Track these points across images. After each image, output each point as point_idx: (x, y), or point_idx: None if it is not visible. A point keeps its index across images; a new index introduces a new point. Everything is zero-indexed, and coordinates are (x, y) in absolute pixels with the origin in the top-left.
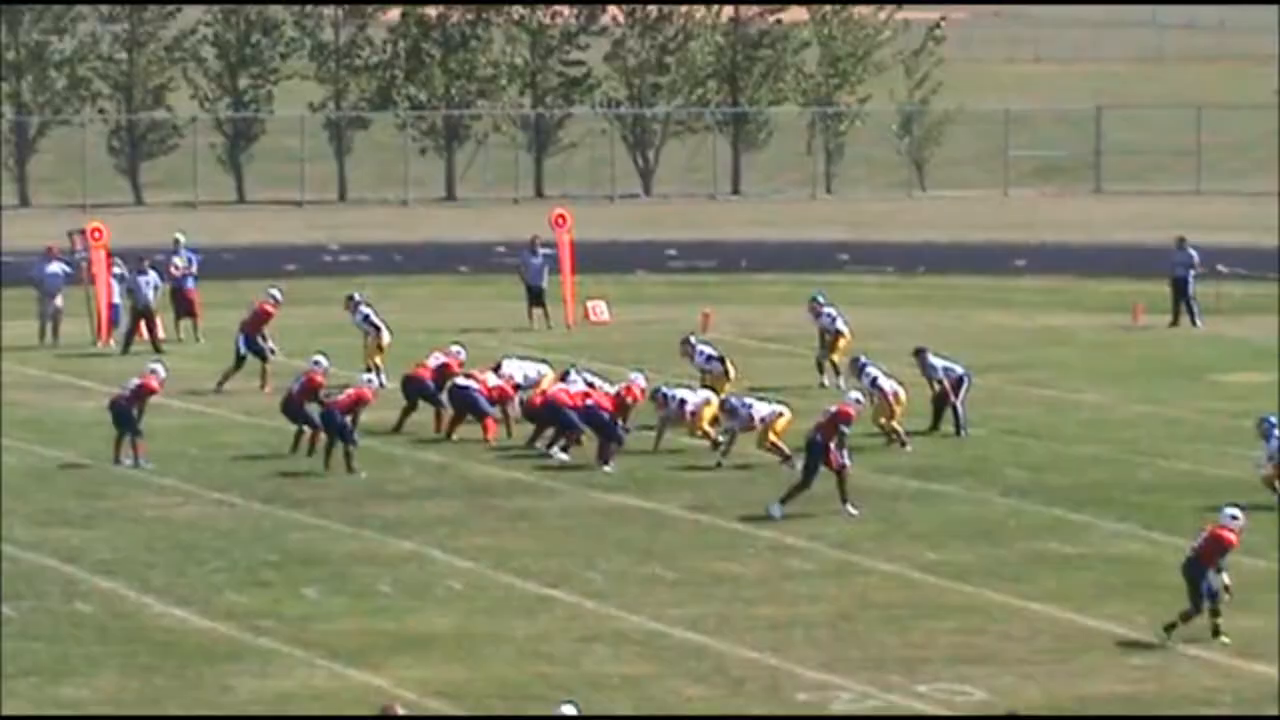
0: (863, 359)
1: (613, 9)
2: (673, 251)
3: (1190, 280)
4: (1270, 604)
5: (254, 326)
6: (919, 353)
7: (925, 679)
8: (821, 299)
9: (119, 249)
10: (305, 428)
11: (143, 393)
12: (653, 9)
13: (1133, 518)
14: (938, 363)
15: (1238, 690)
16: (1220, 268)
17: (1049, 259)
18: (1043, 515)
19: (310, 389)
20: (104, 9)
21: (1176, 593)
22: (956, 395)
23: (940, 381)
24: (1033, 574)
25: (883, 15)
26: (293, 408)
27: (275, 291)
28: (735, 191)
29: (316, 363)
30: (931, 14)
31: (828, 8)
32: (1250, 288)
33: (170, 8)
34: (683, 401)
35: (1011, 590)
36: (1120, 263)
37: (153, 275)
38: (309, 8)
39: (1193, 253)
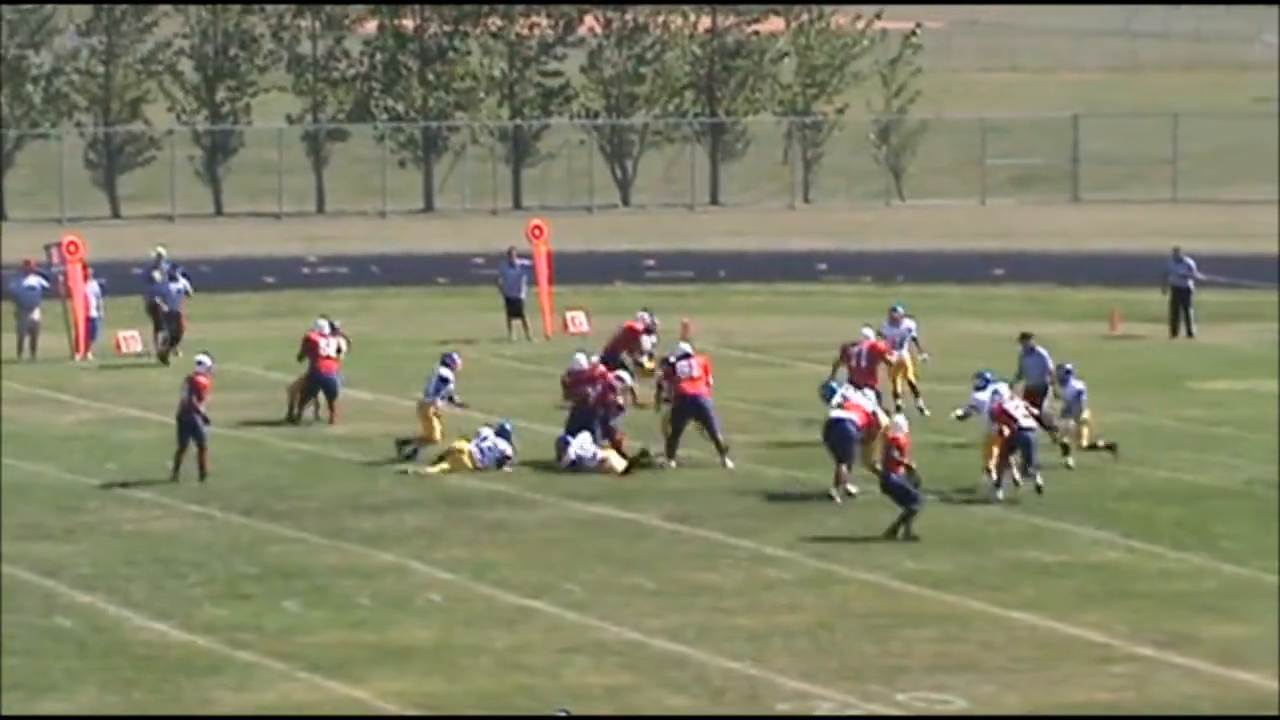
0: (834, 384)
1: (590, 20)
2: (651, 262)
3: (1191, 290)
4: (1250, 611)
5: (620, 345)
6: (1025, 338)
7: (905, 688)
8: (902, 308)
9: (96, 262)
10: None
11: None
12: (630, 19)
13: (1112, 526)
14: (1046, 358)
15: (1218, 698)
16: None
17: (1027, 267)
18: (1022, 524)
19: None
20: (80, 22)
21: (1155, 600)
22: (1039, 407)
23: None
24: (1012, 582)
25: (860, 25)
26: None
27: (646, 314)
28: (713, 201)
29: (200, 363)
30: (908, 23)
31: (805, 18)
32: (1225, 295)
33: (147, 20)
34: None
35: (991, 599)
36: (1098, 271)
37: (183, 281)
38: (286, 20)
39: (1190, 262)
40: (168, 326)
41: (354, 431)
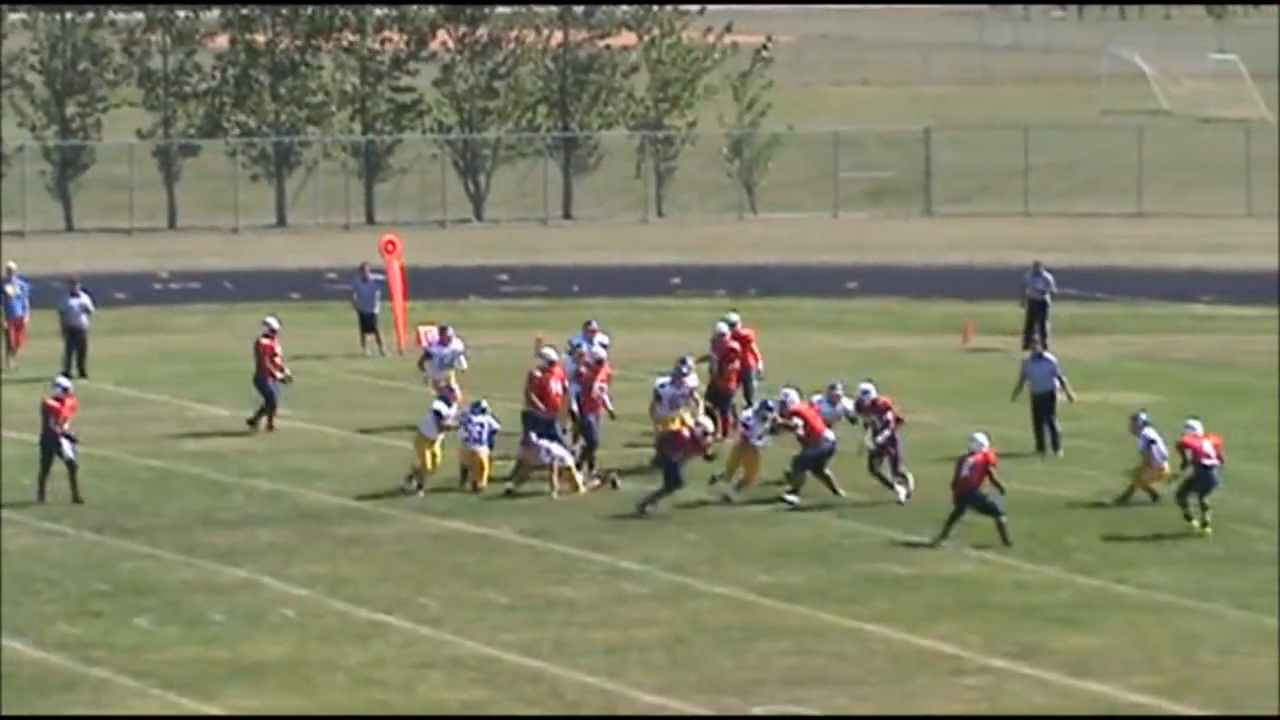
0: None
1: (442, 35)
2: (504, 276)
3: (1049, 303)
4: (1102, 622)
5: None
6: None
7: (760, 700)
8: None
9: None
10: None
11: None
12: (482, 34)
13: (965, 537)
14: (1055, 364)
15: (1070, 709)
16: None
17: (880, 280)
18: (876, 536)
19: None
20: None
21: (1008, 612)
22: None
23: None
24: (866, 595)
25: (711, 39)
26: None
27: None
28: (566, 216)
29: (55, 385)
30: (759, 37)
31: (656, 32)
32: (1078, 309)
33: None
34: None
35: (845, 611)
36: (950, 284)
37: (85, 298)
38: (136, 34)
39: (1048, 276)
40: (74, 343)
41: (207, 448)
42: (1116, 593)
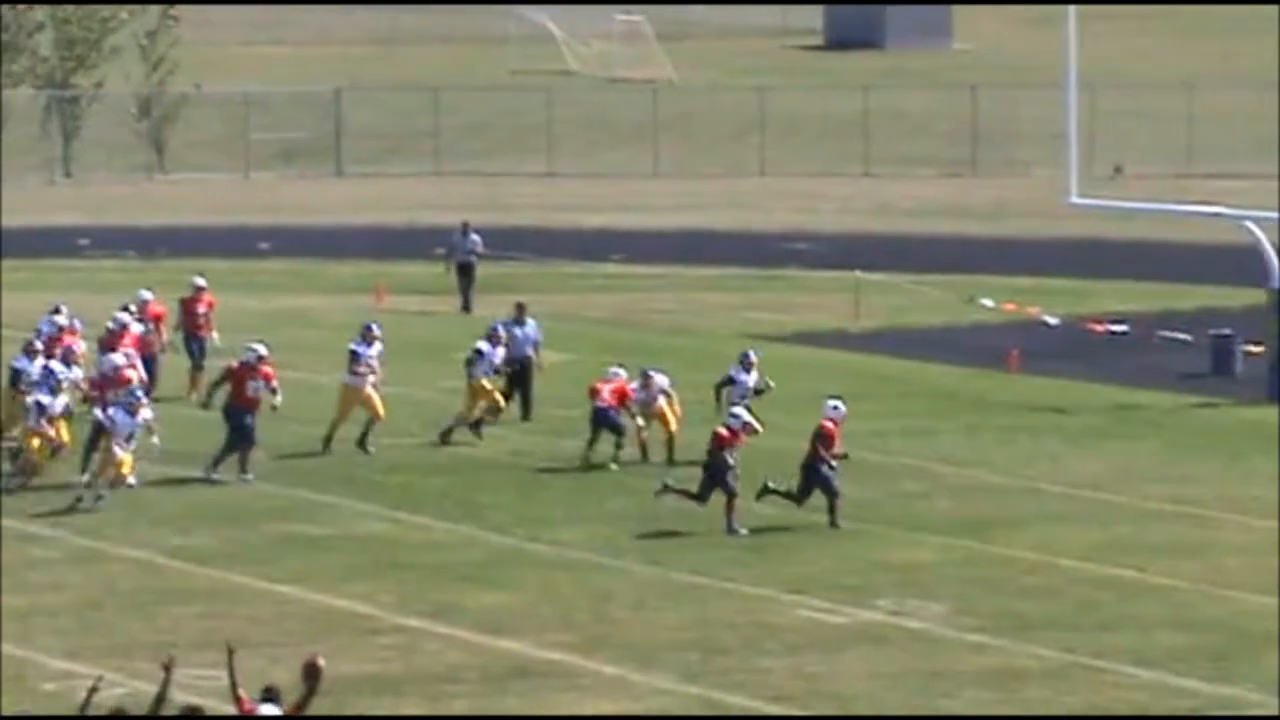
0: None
1: None
2: None
3: (474, 264)
4: (514, 580)
5: None
6: (519, 308)
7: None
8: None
9: None
10: None
11: None
12: None
13: (378, 498)
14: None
15: (483, 666)
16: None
17: (292, 241)
18: (289, 497)
19: None
20: None
21: (422, 571)
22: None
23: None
24: (279, 556)
25: None
26: None
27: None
28: None
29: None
30: None
31: None
32: (492, 268)
33: None
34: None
35: (258, 573)
36: (362, 244)
37: None
38: None
39: (477, 237)
40: None
41: None
42: (529, 551)
